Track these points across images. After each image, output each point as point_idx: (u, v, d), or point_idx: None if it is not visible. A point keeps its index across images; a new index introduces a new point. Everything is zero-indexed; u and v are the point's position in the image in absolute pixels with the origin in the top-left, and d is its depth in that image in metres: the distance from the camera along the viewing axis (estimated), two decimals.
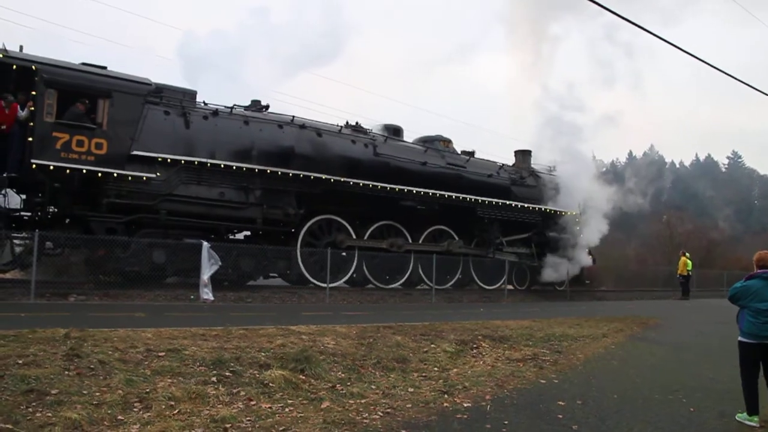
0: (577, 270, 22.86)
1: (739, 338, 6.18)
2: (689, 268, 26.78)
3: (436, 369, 7.81)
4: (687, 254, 27.39)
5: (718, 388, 7.55)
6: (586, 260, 23.27)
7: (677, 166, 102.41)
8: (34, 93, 12.59)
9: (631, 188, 25.32)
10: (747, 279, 6.18)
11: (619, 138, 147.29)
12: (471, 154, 21.58)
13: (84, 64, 13.67)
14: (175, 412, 5.17)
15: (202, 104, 15.71)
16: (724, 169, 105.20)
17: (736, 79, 14.58)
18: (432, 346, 8.95)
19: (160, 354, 6.64)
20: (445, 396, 6.44)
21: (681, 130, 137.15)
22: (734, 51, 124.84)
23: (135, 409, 5.14)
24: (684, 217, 52.47)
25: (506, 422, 5.54)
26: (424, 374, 7.47)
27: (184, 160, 14.39)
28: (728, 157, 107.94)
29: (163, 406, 5.23)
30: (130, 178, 13.60)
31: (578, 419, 5.77)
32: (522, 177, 22.70)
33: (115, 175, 13.41)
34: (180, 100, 15.00)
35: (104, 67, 13.90)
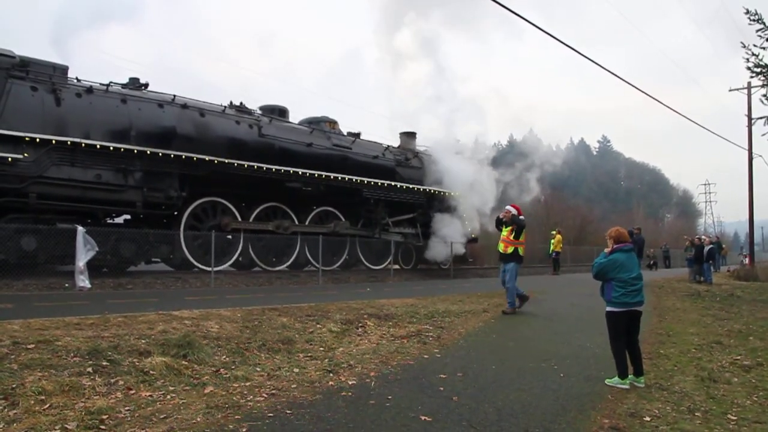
0: (460, 249, 23.67)
1: (609, 309, 6.41)
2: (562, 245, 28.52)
3: (321, 349, 7.88)
4: (561, 232, 29.12)
5: (585, 355, 8.07)
6: (469, 239, 24.13)
7: (554, 149, 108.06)
8: None
9: (513, 169, 26.21)
10: (610, 253, 6.42)
11: (500, 122, 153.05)
12: (357, 135, 21.74)
13: None
14: (46, 406, 4.91)
15: (75, 80, 14.83)
16: (595, 152, 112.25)
17: (604, 68, 15.63)
18: (318, 326, 9.01)
19: (29, 346, 6.27)
20: (331, 375, 6.50)
21: (557, 116, 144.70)
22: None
23: None
24: (560, 197, 55.50)
25: (390, 397, 5.68)
26: (309, 354, 7.52)
27: (56, 140, 13.57)
28: (599, 141, 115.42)
29: (32, 402, 4.96)
30: None
31: (458, 390, 6.00)
32: (407, 158, 23.17)
33: None
34: (50, 75, 14.10)
35: None
